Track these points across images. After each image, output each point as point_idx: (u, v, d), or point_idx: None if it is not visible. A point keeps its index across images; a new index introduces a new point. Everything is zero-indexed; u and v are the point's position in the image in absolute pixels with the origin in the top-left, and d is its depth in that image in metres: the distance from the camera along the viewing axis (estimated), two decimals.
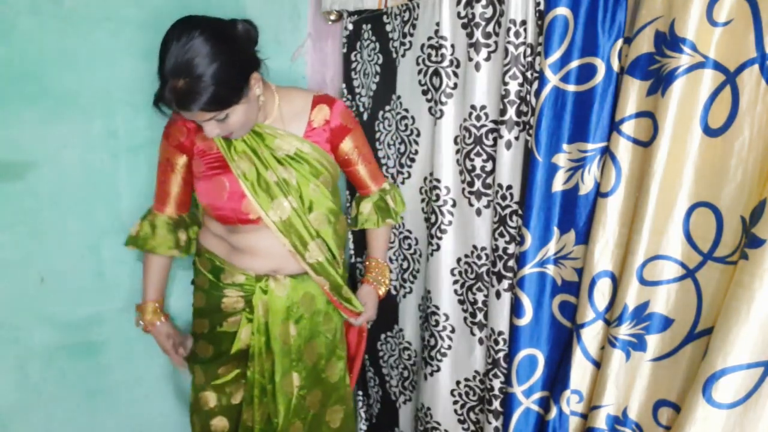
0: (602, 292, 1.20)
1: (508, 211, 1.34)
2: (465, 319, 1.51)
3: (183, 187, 1.43)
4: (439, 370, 1.57)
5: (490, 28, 1.31)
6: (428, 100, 1.49)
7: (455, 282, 1.52)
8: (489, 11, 1.30)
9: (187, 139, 1.36)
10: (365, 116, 1.71)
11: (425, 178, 1.56)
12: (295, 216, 1.39)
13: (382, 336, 1.81)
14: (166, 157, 1.40)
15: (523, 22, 1.24)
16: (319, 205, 1.42)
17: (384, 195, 1.57)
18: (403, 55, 1.53)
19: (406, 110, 1.56)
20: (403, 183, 1.62)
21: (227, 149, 1.35)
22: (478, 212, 1.42)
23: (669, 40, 1.03)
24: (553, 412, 1.29)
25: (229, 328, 1.48)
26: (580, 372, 1.26)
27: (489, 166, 1.38)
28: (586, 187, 1.21)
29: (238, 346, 1.46)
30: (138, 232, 1.45)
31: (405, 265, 1.68)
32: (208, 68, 1.14)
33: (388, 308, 1.75)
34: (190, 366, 1.56)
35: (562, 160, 1.23)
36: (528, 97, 1.27)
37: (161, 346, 1.54)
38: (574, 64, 1.17)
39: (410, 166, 1.59)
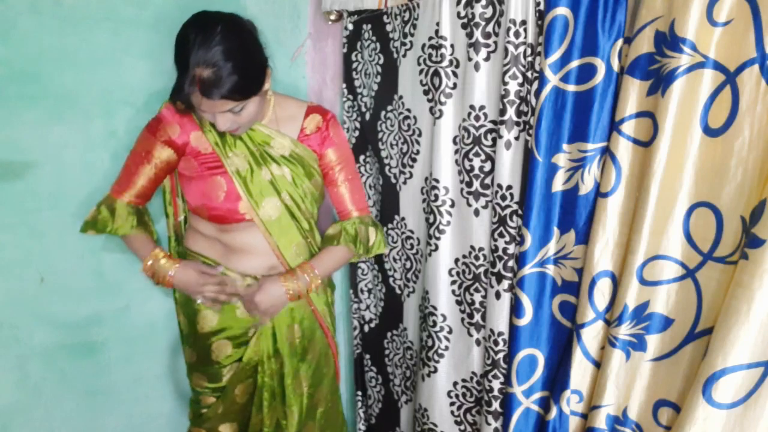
0: (602, 292, 1.20)
1: (508, 211, 1.34)
2: (462, 320, 1.51)
3: (151, 182, 1.40)
4: (436, 371, 1.57)
5: (489, 28, 1.31)
6: (429, 100, 1.49)
7: (453, 282, 1.52)
8: (489, 11, 1.29)
9: (179, 137, 1.36)
10: (367, 116, 1.71)
11: (426, 178, 1.56)
12: (286, 215, 1.41)
13: (389, 334, 1.82)
14: (146, 148, 1.37)
15: (523, 22, 1.24)
16: (307, 203, 1.47)
17: (358, 224, 1.51)
18: (404, 55, 1.53)
19: (409, 110, 1.56)
20: (405, 183, 1.62)
21: (222, 147, 1.36)
22: (476, 213, 1.42)
23: (669, 40, 1.03)
24: (553, 412, 1.29)
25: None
26: (580, 372, 1.26)
27: (487, 166, 1.38)
28: (586, 187, 1.21)
29: (249, 355, 1.47)
30: (96, 216, 1.39)
31: (408, 265, 1.68)
32: (233, 59, 1.19)
33: (394, 307, 1.76)
34: (195, 397, 1.56)
35: (562, 160, 1.22)
36: (528, 97, 1.27)
37: (196, 287, 1.40)
38: (574, 64, 1.17)
39: (412, 166, 1.59)
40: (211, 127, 1.36)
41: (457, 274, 1.51)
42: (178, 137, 1.36)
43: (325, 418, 1.60)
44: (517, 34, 1.24)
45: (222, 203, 1.36)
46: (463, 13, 1.35)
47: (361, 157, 1.75)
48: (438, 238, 1.50)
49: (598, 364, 1.24)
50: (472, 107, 1.36)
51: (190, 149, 1.37)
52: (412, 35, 1.50)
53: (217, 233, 1.44)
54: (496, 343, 1.39)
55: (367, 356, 1.92)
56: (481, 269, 1.44)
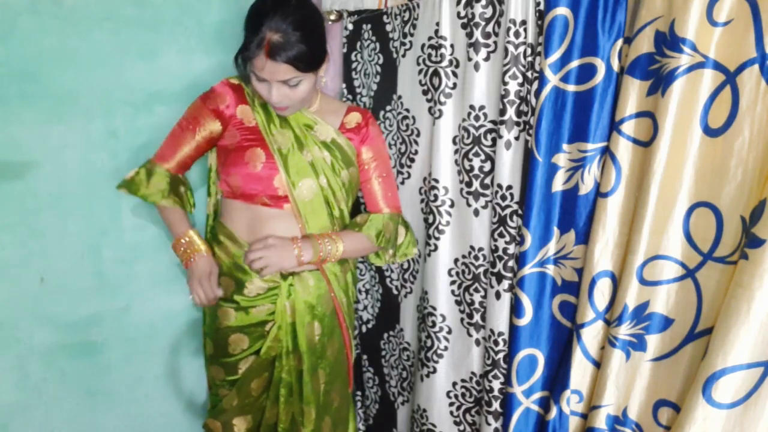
0: (602, 292, 1.20)
1: (508, 211, 1.34)
2: (462, 320, 1.51)
3: (193, 151, 1.45)
4: (435, 371, 1.57)
5: (489, 28, 1.31)
6: (428, 100, 1.49)
7: (452, 282, 1.52)
8: (489, 11, 1.30)
9: (227, 108, 1.41)
10: None
11: (424, 179, 1.56)
12: (320, 198, 1.43)
13: (385, 335, 1.82)
14: (194, 115, 1.42)
15: (523, 22, 1.24)
16: (344, 191, 1.49)
17: (388, 219, 1.52)
18: (404, 55, 1.53)
19: (407, 110, 1.56)
20: (403, 183, 1.62)
21: (266, 124, 1.41)
22: (476, 213, 1.42)
23: (669, 40, 1.03)
24: (553, 412, 1.29)
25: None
26: (580, 372, 1.26)
27: (487, 166, 1.38)
28: (586, 187, 1.21)
29: (267, 350, 1.47)
30: (133, 176, 1.44)
31: (405, 265, 1.68)
32: (302, 29, 1.26)
33: (391, 307, 1.76)
34: (214, 390, 1.56)
35: (562, 160, 1.23)
36: (528, 97, 1.27)
37: (197, 281, 1.43)
38: (574, 64, 1.17)
39: (410, 166, 1.59)
40: (259, 107, 1.41)
41: (457, 274, 1.51)
42: (225, 108, 1.41)
43: (338, 413, 1.61)
44: (517, 34, 1.24)
45: (259, 172, 1.38)
46: (463, 13, 1.35)
47: None
48: (437, 238, 1.50)
49: (598, 364, 1.24)
50: (471, 107, 1.36)
51: (235, 121, 1.42)
52: (411, 35, 1.50)
53: (248, 223, 1.44)
54: (496, 343, 1.39)
55: (365, 357, 1.92)
56: (481, 269, 1.44)
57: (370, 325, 1.87)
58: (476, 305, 1.46)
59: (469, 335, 1.50)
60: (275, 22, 1.24)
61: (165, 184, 1.44)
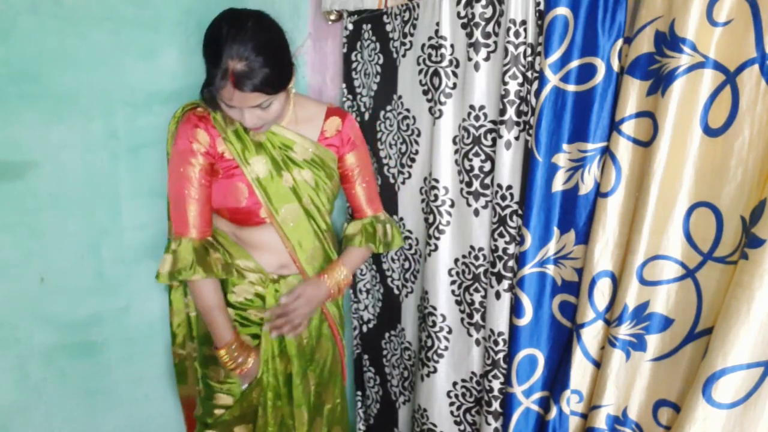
0: (602, 292, 1.20)
1: (508, 211, 1.34)
2: (462, 320, 1.51)
3: (203, 202, 1.36)
4: (435, 371, 1.57)
5: (489, 28, 1.31)
6: (429, 100, 1.49)
7: (453, 282, 1.52)
8: (489, 11, 1.30)
9: (212, 147, 1.35)
10: (366, 116, 1.71)
11: (425, 179, 1.56)
12: (305, 220, 1.43)
13: (386, 335, 1.82)
14: (184, 164, 1.34)
15: (523, 22, 1.24)
16: (330, 204, 1.51)
17: (375, 222, 1.57)
18: (404, 55, 1.53)
19: (408, 110, 1.56)
20: (403, 183, 1.62)
21: (241, 153, 1.37)
22: (476, 213, 1.42)
23: (669, 40, 1.03)
24: (553, 412, 1.29)
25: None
26: (580, 372, 1.26)
27: (487, 166, 1.38)
28: (586, 187, 1.21)
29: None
30: (164, 265, 1.34)
31: (406, 265, 1.68)
32: (264, 53, 1.21)
33: (392, 307, 1.76)
34: (208, 393, 1.52)
35: (562, 160, 1.23)
36: (528, 97, 1.27)
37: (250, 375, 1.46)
38: (574, 64, 1.17)
39: (410, 166, 1.59)
40: (232, 135, 1.36)
41: (457, 274, 1.51)
42: (210, 146, 1.35)
43: (332, 414, 1.61)
44: (517, 34, 1.24)
45: (244, 207, 1.38)
46: (463, 13, 1.35)
47: None
48: (438, 238, 1.50)
49: (598, 364, 1.24)
50: (471, 107, 1.36)
51: (218, 154, 1.37)
52: (411, 35, 1.50)
53: (232, 230, 1.45)
54: (496, 343, 1.39)
55: (366, 356, 1.92)
56: (481, 269, 1.44)
57: (371, 325, 1.87)
58: (476, 305, 1.46)
59: (470, 335, 1.50)
60: (235, 50, 1.18)
61: (191, 256, 1.32)
